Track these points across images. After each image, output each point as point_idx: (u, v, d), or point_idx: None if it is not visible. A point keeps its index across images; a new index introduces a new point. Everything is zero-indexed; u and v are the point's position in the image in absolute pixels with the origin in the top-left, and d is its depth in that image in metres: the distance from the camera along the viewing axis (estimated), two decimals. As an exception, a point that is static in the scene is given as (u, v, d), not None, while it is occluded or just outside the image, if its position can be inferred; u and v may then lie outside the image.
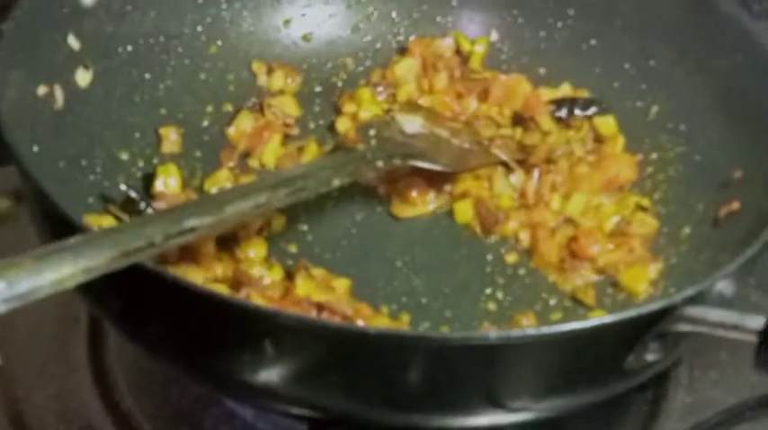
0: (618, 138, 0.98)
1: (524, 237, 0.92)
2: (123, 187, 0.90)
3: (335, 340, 0.66)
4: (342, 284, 0.87)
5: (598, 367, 0.67)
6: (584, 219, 0.92)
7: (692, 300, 0.66)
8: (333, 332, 0.65)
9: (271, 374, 0.70)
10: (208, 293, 0.67)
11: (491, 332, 0.68)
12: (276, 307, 0.78)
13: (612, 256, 0.89)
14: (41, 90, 0.87)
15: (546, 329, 0.64)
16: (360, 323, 0.83)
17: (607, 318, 0.62)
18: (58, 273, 0.60)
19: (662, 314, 0.64)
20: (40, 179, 0.73)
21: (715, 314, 0.64)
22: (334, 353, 0.68)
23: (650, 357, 0.66)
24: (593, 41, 1.03)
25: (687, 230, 0.91)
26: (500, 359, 0.66)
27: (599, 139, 0.99)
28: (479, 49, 1.04)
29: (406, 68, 1.04)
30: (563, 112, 0.99)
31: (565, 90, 1.02)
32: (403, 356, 0.67)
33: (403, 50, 1.06)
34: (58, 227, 0.71)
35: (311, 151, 0.99)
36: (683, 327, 0.65)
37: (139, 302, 0.70)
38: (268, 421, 0.86)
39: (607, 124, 0.98)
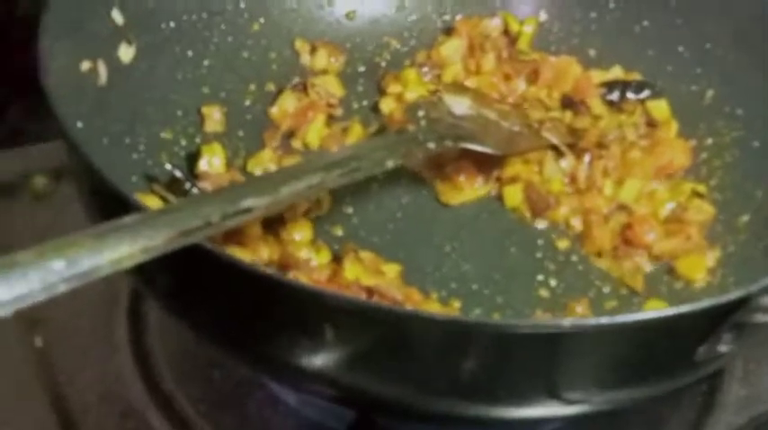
0: (671, 122, 0.95)
1: (576, 223, 0.90)
2: (168, 166, 0.89)
3: (397, 326, 0.63)
4: (391, 269, 0.85)
5: (668, 358, 0.65)
6: (637, 205, 0.90)
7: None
8: (397, 317, 0.63)
9: (324, 359, 0.68)
10: (265, 274, 0.65)
11: (565, 320, 0.65)
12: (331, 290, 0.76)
13: (668, 244, 0.87)
14: (85, 65, 0.85)
15: (621, 318, 0.61)
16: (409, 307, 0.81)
17: (684, 308, 0.60)
18: (117, 252, 0.58)
19: (739, 304, 0.62)
20: (89, 154, 0.71)
21: (795, 304, 0.62)
22: (392, 338, 0.66)
23: (723, 348, 0.64)
24: (645, 23, 1.01)
25: (745, 218, 0.89)
26: (565, 348, 0.64)
27: (652, 124, 0.96)
28: (528, 29, 1.01)
29: (452, 49, 1.01)
30: (615, 95, 0.97)
31: (616, 73, 0.99)
32: (464, 343, 0.65)
33: (449, 30, 1.04)
34: (109, 204, 0.69)
35: (356, 132, 0.97)
36: (760, 318, 0.62)
37: (192, 282, 0.68)
38: (314, 406, 0.84)
39: (660, 108, 0.96)
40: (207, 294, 0.68)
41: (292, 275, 0.82)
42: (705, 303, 0.61)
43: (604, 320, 0.61)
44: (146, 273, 0.71)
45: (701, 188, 0.91)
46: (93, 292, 0.90)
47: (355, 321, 0.63)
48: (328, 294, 0.65)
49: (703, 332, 0.64)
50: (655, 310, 0.61)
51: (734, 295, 0.61)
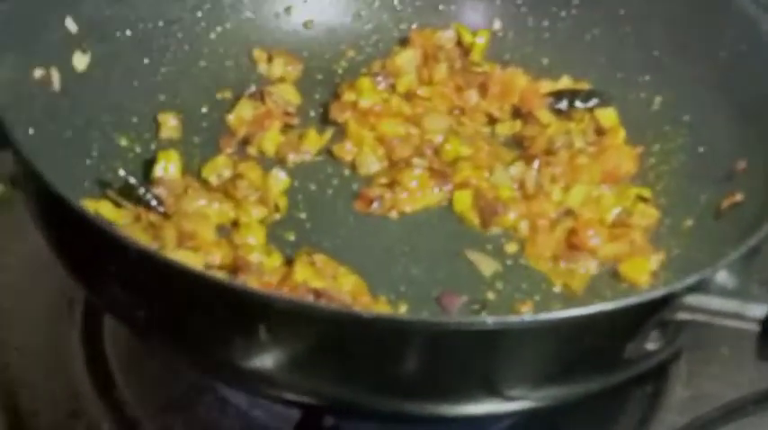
0: (619, 129, 0.97)
1: (524, 228, 0.91)
2: (122, 173, 0.89)
3: (331, 325, 0.65)
4: (343, 272, 0.86)
5: (597, 355, 0.66)
6: (584, 210, 0.92)
7: (694, 289, 0.65)
8: (328, 316, 0.64)
9: (264, 360, 0.69)
10: (201, 276, 0.66)
11: (488, 318, 0.67)
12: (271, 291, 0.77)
13: (613, 248, 0.88)
14: (38, 73, 0.86)
15: (544, 316, 0.63)
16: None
17: (607, 305, 0.62)
18: None
19: (663, 302, 0.63)
20: (34, 160, 0.72)
21: (716, 303, 0.63)
22: (330, 338, 0.67)
23: (650, 346, 0.65)
24: (596, 31, 1.02)
25: (689, 222, 0.90)
26: (497, 346, 0.65)
27: (600, 131, 0.98)
28: (480, 41, 1.03)
29: (406, 59, 1.03)
30: (563, 104, 0.98)
31: (565, 82, 1.01)
32: (398, 342, 0.66)
33: (404, 41, 1.05)
34: (53, 209, 0.70)
35: (311, 139, 0.98)
36: (684, 316, 0.64)
37: (133, 285, 0.69)
38: (262, 408, 0.85)
39: (608, 116, 0.98)
40: (147, 297, 0.69)
41: (242, 279, 0.84)
42: (628, 301, 0.62)
43: (527, 318, 0.62)
44: (89, 277, 0.73)
45: (646, 192, 0.93)
46: (48, 295, 0.92)
47: (289, 321, 0.64)
48: (258, 294, 0.66)
49: (629, 330, 0.65)
50: (576, 308, 0.62)
51: (657, 293, 0.62)
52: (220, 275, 0.83)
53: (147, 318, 0.70)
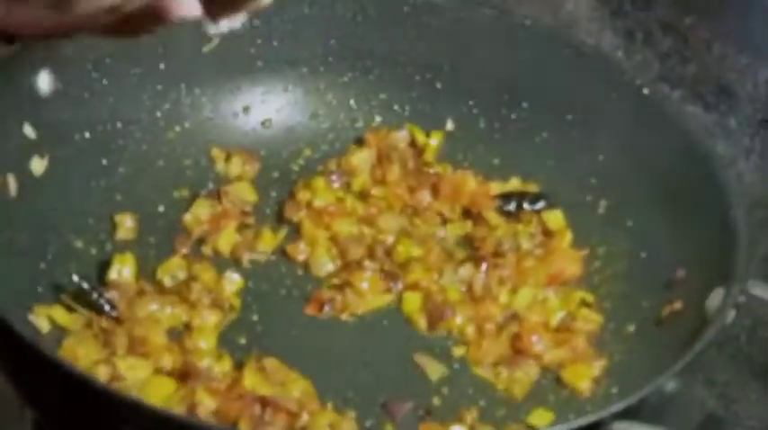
0: (565, 232, 0.99)
1: (470, 331, 0.93)
2: (75, 278, 0.91)
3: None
4: (293, 378, 0.87)
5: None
6: (529, 313, 0.93)
7: (623, 415, 0.67)
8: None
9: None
10: (138, 406, 0.67)
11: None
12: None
13: (557, 353, 0.90)
14: (-6, 180, 0.88)
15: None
16: (304, 417, 0.84)
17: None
18: None
19: (591, 429, 0.65)
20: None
21: (642, 431, 0.65)
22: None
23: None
24: (545, 134, 1.05)
25: (632, 328, 0.92)
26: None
27: (547, 233, 1.00)
28: (434, 142, 1.06)
29: (361, 159, 1.05)
30: (512, 206, 1.01)
31: (514, 184, 1.03)
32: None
33: (360, 140, 1.07)
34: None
35: (266, 239, 1.00)
36: (611, 443, 0.66)
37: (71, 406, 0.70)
38: None
39: (555, 218, 1.00)
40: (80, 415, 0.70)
41: (190, 385, 0.85)
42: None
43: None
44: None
45: (589, 297, 0.95)
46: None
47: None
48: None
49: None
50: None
51: (584, 421, 0.64)
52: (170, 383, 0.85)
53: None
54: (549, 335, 0.92)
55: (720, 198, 0.90)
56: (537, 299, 0.95)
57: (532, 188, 1.03)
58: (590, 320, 0.93)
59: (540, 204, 1.00)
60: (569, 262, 0.97)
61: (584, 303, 0.94)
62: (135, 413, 0.67)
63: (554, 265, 0.96)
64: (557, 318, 0.94)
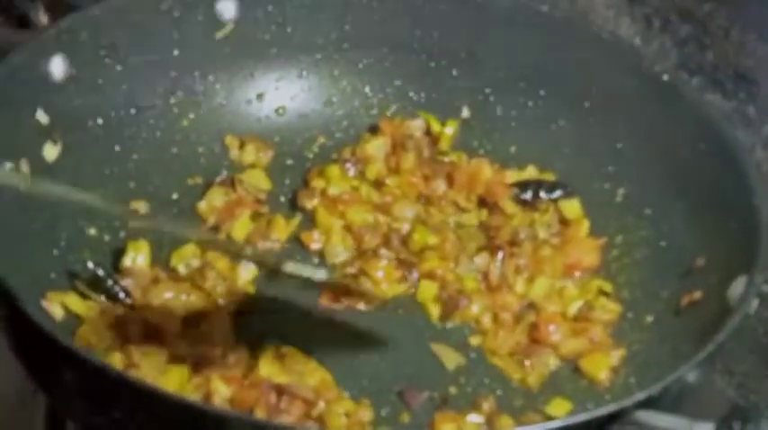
0: (582, 221, 0.98)
1: (486, 321, 0.92)
2: (90, 264, 0.90)
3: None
4: (313, 366, 0.87)
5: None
6: (546, 303, 0.93)
7: (644, 404, 0.66)
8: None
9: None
10: (152, 392, 0.66)
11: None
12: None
13: (574, 343, 0.89)
14: (7, 166, 0.87)
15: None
16: (320, 405, 0.83)
17: (554, 424, 0.62)
18: None
19: (611, 418, 0.64)
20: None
21: (665, 420, 0.64)
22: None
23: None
24: (562, 122, 1.04)
25: (650, 317, 0.91)
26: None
27: (564, 222, 0.99)
28: (449, 131, 1.05)
29: (376, 147, 1.04)
30: (528, 195, 1.00)
31: (530, 172, 1.02)
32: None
33: (374, 128, 1.07)
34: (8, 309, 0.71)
35: (279, 226, 0.99)
36: (633, 432, 0.65)
37: (87, 394, 0.70)
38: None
39: (572, 207, 0.99)
40: (98, 403, 0.70)
41: (205, 373, 0.84)
42: (576, 418, 0.63)
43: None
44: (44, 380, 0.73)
45: (608, 287, 0.94)
46: (11, 384, 0.92)
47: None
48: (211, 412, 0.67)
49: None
50: (523, 427, 0.63)
51: (606, 410, 0.63)
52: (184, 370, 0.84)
53: (105, 425, 0.70)
54: (566, 325, 0.91)
55: (741, 185, 0.89)
56: (554, 288, 0.94)
57: (549, 176, 1.02)
58: (608, 310, 0.92)
59: (557, 193, 0.99)
60: (587, 251, 0.96)
61: (602, 292, 0.93)
62: (150, 400, 0.66)
63: (571, 255, 0.95)
64: (574, 307, 0.93)
